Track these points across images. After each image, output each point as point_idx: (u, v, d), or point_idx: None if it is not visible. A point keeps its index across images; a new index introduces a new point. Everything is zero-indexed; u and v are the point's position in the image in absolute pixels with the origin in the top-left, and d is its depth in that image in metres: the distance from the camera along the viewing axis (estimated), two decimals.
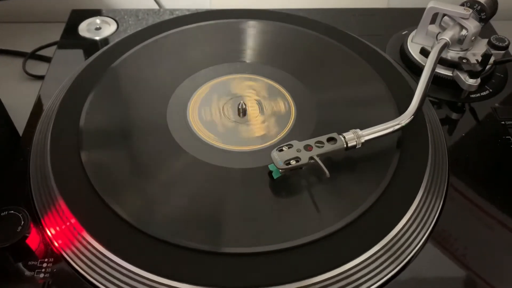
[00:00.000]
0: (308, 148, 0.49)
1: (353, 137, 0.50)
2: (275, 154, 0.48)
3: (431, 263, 0.47)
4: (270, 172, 0.50)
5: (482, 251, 0.48)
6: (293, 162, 0.48)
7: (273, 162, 0.48)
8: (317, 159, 0.48)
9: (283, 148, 0.49)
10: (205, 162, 0.52)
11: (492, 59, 0.62)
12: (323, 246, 0.45)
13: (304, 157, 0.48)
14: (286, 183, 0.50)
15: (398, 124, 0.52)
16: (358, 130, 0.51)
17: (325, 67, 0.65)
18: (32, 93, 0.64)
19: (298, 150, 0.49)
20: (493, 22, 0.71)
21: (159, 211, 0.48)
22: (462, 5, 0.64)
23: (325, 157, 0.50)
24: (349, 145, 0.50)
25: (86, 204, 0.47)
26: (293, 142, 0.50)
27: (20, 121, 0.60)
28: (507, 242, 0.48)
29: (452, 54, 0.63)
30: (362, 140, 0.50)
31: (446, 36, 0.61)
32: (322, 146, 0.49)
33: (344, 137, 0.50)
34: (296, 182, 0.50)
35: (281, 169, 0.48)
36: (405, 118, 0.52)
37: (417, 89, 0.55)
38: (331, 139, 0.50)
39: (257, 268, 0.43)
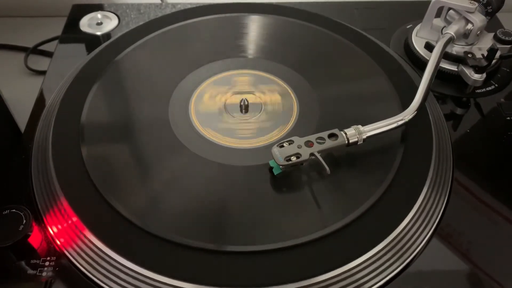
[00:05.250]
0: (309, 144, 0.49)
1: (355, 133, 0.49)
2: (275, 150, 0.48)
3: (436, 258, 0.46)
4: (271, 168, 0.50)
5: (487, 246, 0.47)
6: (293, 159, 0.48)
7: (273, 158, 0.48)
8: (318, 155, 0.48)
9: (284, 144, 0.49)
10: (207, 159, 0.52)
11: (498, 54, 0.61)
12: (326, 244, 0.44)
13: (305, 154, 0.48)
14: (289, 180, 0.50)
15: (401, 119, 0.52)
16: (359, 126, 0.50)
17: (327, 62, 0.64)
18: (34, 89, 0.63)
19: (299, 146, 0.48)
20: (499, 14, 0.70)
21: (161, 209, 0.48)
22: None
23: (328, 153, 0.50)
24: (350, 141, 0.49)
25: (88, 203, 0.47)
26: (294, 138, 0.49)
27: (22, 117, 0.60)
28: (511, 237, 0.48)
29: (457, 49, 0.62)
30: (364, 136, 0.50)
31: (451, 31, 0.60)
32: (323, 142, 0.49)
33: (345, 133, 0.49)
34: (299, 179, 0.50)
35: (282, 165, 0.48)
36: (408, 114, 0.52)
37: (420, 84, 0.55)
38: (332, 135, 0.50)
39: (259, 267, 0.43)
